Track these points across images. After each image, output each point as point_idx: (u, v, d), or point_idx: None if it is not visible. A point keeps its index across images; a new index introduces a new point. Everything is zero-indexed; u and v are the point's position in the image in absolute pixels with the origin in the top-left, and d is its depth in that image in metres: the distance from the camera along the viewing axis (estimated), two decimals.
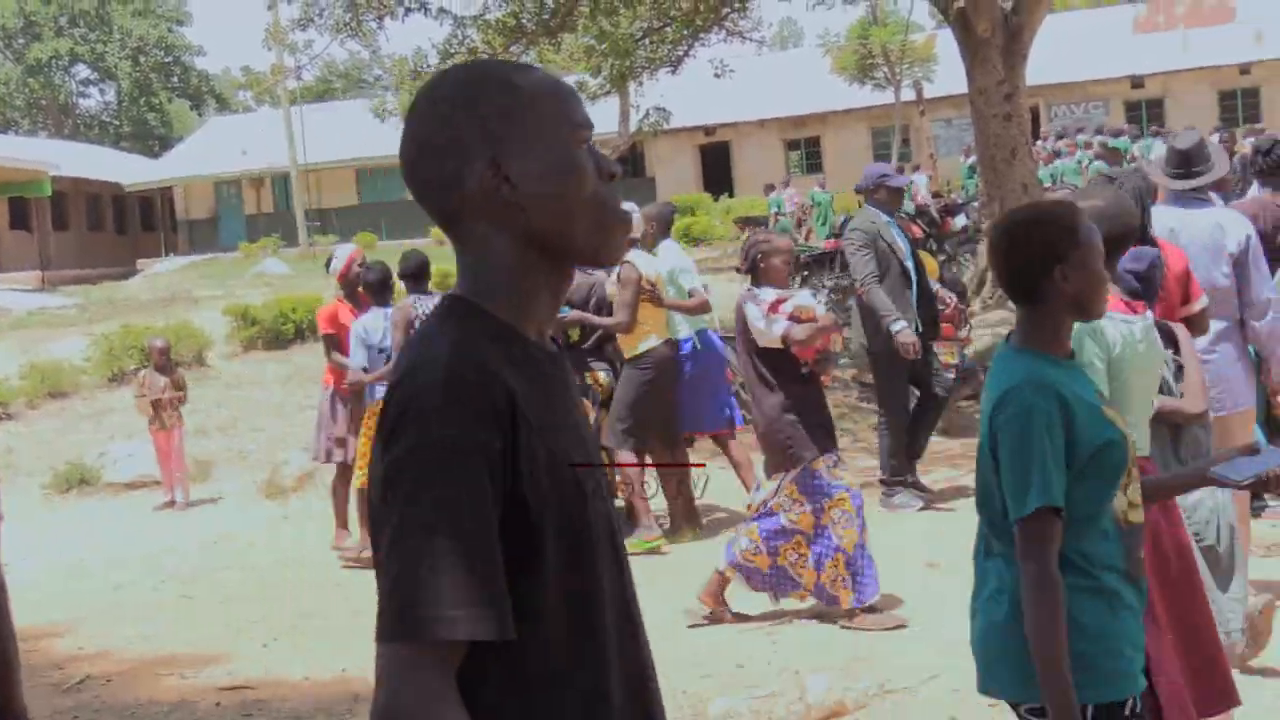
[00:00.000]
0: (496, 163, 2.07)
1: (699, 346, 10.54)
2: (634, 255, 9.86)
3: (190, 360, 18.28)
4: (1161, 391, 4.94)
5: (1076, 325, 3.99)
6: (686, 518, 10.40)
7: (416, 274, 10.41)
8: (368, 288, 10.56)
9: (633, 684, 2.18)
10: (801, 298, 8.06)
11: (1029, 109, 18.72)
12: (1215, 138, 22.81)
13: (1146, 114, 43.36)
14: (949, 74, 31.34)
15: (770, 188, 35.76)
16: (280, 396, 16.90)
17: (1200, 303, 6.37)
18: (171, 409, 13.28)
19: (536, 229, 2.10)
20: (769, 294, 7.98)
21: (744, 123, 48.22)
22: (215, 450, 15.01)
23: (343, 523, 10.73)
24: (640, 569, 9.19)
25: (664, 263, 10.37)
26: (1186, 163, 7.11)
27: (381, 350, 10.23)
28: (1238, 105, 43.68)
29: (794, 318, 7.79)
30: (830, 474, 7.76)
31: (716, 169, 49.30)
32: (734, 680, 6.93)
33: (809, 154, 49.19)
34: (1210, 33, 45.43)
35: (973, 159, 30.79)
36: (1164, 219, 6.84)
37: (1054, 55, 38.17)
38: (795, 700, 6.37)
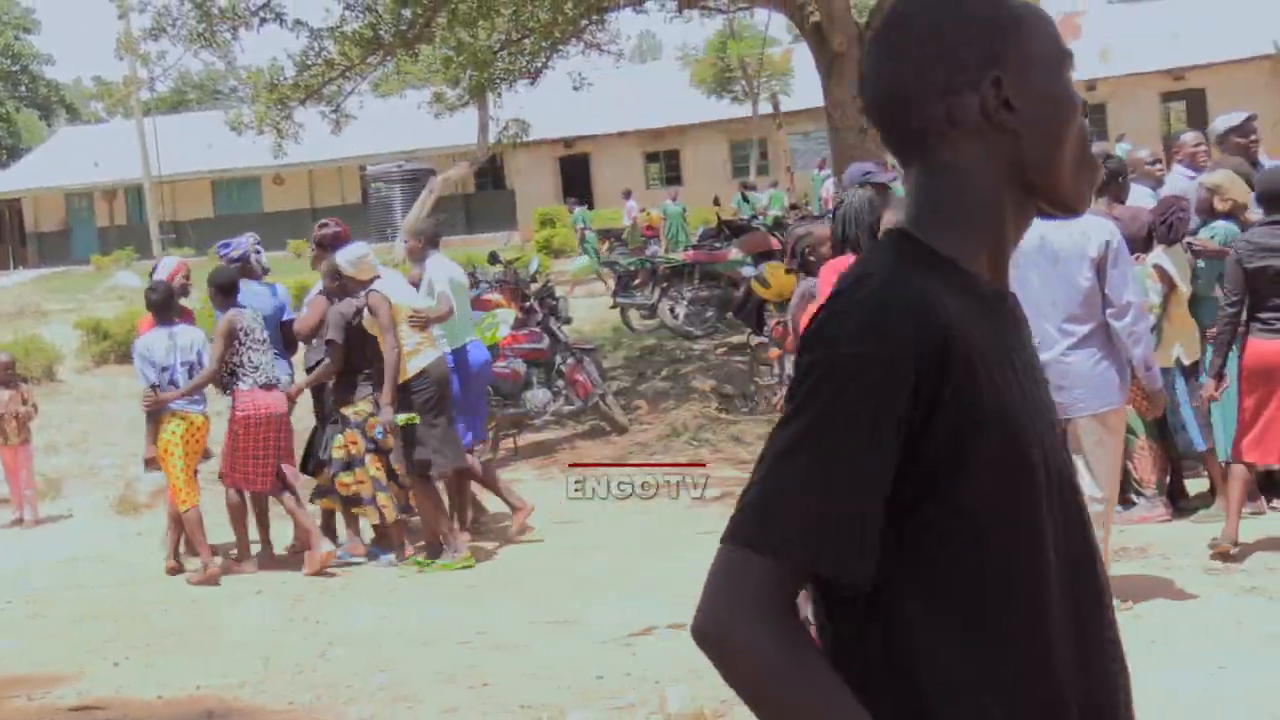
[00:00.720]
0: (999, 81, 1.91)
1: (463, 360, 10.75)
2: (381, 284, 10.01)
3: (40, 375, 17.90)
4: None
5: None
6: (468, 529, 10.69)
7: (228, 288, 10.42)
8: (150, 306, 10.49)
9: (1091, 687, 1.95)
10: None
11: None
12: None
13: None
14: (806, 87, 31.68)
15: (628, 194, 35.89)
16: (133, 411, 16.52)
17: None
18: (18, 425, 12.97)
19: (1029, 160, 1.94)
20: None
21: (604, 135, 48.32)
22: (66, 466, 14.70)
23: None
24: (482, 581, 9.18)
25: (436, 274, 10.70)
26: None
27: (165, 369, 10.19)
28: (1086, 120, 44.69)
29: None
30: None
31: (577, 181, 49.32)
32: (593, 691, 6.92)
33: (668, 166, 49.41)
34: None
35: (826, 172, 31.25)
36: (1036, 226, 7.01)
37: None
38: (655, 710, 6.38)
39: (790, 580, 1.79)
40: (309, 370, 10.69)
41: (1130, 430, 9.22)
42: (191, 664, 8.00)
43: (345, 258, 10.05)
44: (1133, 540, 8.82)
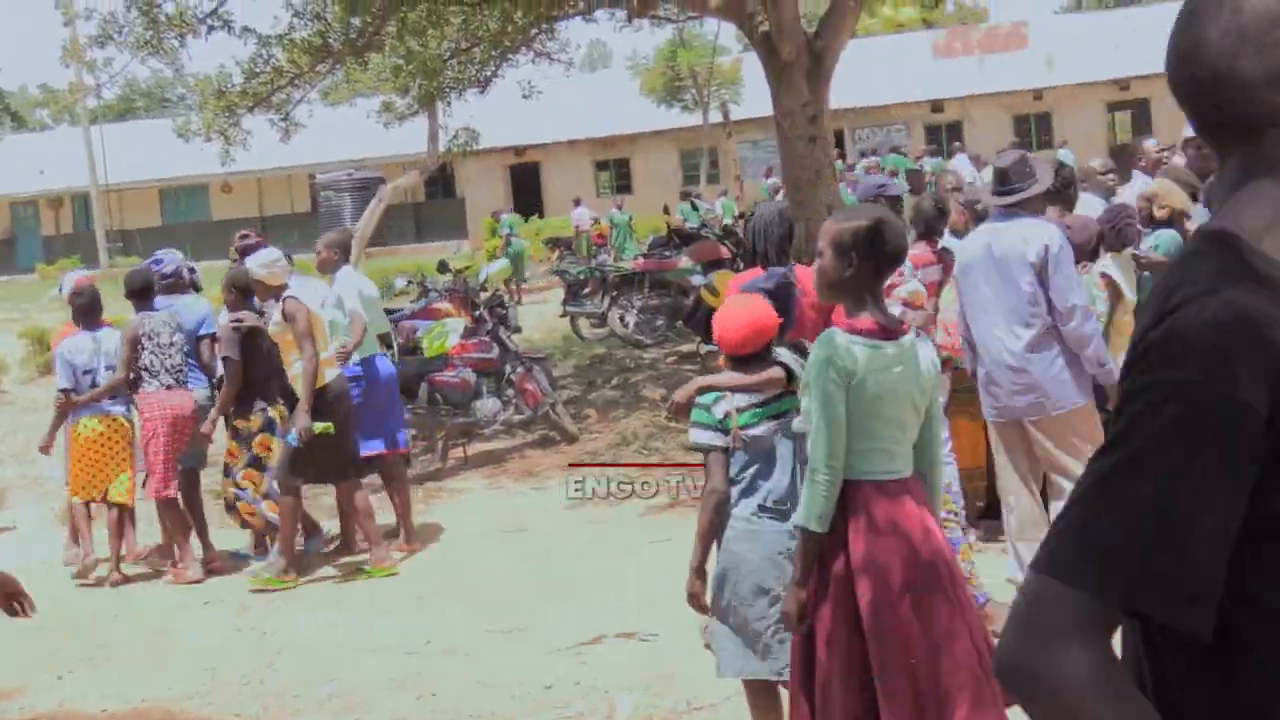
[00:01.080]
0: None
1: (362, 371, 10.70)
2: (296, 288, 10.03)
3: None
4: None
5: (819, 347, 4.46)
6: (406, 538, 10.73)
7: (141, 291, 10.59)
8: (75, 311, 10.75)
9: None
10: (913, 284, 7.67)
11: (833, 131, 19.01)
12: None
13: (946, 137, 44.38)
14: (755, 96, 31.74)
15: (577, 202, 35.90)
16: None
17: None
18: None
19: None
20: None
21: (554, 144, 48.29)
22: (9, 478, 14.58)
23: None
24: (431, 590, 9.13)
25: (344, 288, 10.65)
26: (1005, 180, 7.56)
27: (88, 372, 10.42)
28: (1032, 128, 44.96)
29: (907, 304, 7.46)
30: None
31: (527, 190, 49.28)
32: (542, 700, 6.92)
33: (618, 175, 49.43)
34: (1005, 58, 46.70)
35: (773, 180, 31.33)
36: (982, 234, 7.53)
37: (858, 79, 38.87)
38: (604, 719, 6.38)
39: (1110, 614, 1.69)
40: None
41: None
42: (137, 676, 7.95)
43: (257, 262, 10.07)
44: None
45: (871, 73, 42.74)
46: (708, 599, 5.35)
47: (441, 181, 50.21)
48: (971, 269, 7.65)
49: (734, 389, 5.31)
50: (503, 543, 10.63)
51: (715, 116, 43.89)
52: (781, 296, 5.49)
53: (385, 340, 11.90)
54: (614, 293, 20.76)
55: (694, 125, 45.45)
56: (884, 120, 46.01)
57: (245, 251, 10.94)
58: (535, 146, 48.43)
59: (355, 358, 10.52)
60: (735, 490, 5.30)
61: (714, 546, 5.37)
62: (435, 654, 7.97)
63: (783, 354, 5.46)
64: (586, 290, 21.47)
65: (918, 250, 8.86)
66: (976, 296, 7.64)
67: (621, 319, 20.39)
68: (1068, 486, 7.47)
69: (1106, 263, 9.03)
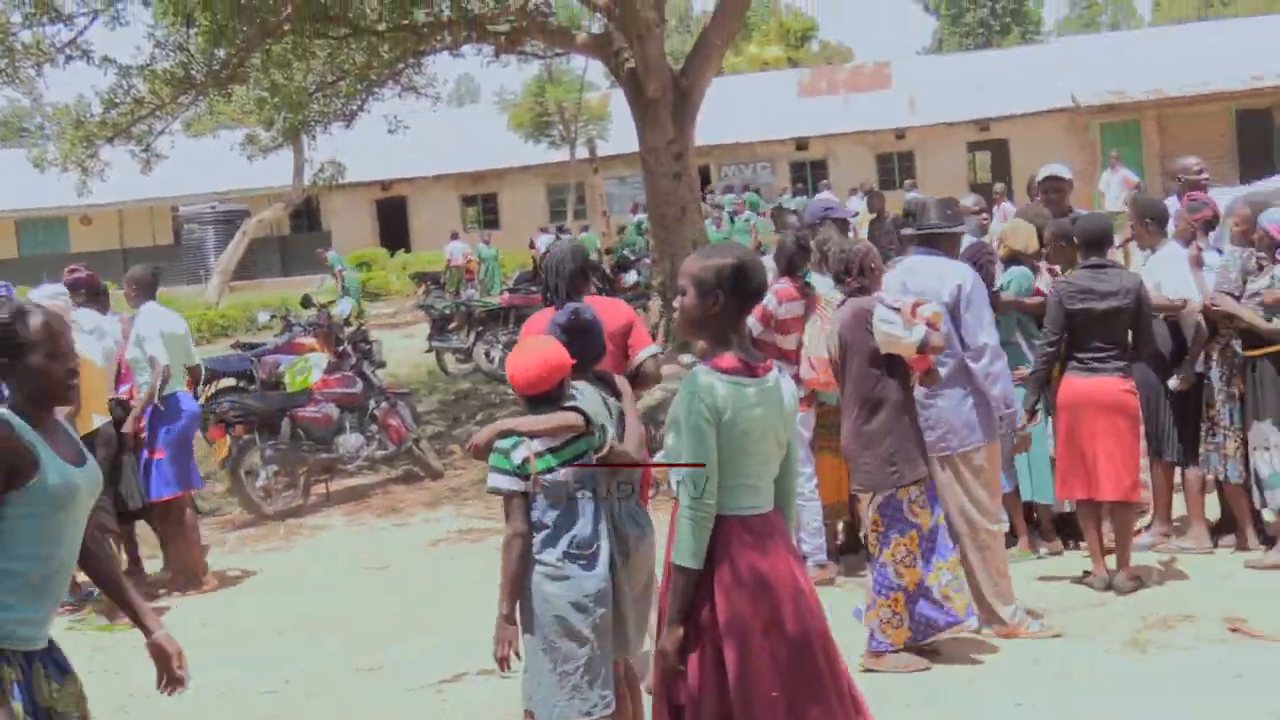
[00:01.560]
0: None
1: (163, 409, 10.59)
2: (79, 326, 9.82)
3: None
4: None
5: (684, 386, 4.50)
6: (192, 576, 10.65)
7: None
8: None
9: None
10: (933, 304, 7.52)
11: (698, 168, 19.20)
12: (862, 199, 23.86)
13: (811, 175, 44.91)
14: (622, 133, 31.93)
15: (455, 235, 35.82)
16: None
17: (642, 354, 6.94)
18: None
19: None
20: (905, 298, 7.46)
21: (421, 178, 48.11)
22: None
23: None
24: (290, 627, 8.99)
25: (144, 327, 10.55)
26: (926, 215, 7.92)
27: None
28: (894, 168, 45.63)
29: (930, 324, 7.32)
30: (910, 508, 7.40)
31: (393, 224, 49.03)
32: None
33: (486, 209, 49.32)
34: (869, 98, 47.39)
35: (640, 216, 31.49)
36: (898, 273, 7.81)
37: (723, 116, 39.25)
38: None
39: None
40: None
41: None
42: None
43: (40, 296, 9.83)
44: None
45: (737, 110, 43.15)
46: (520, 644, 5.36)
47: (307, 215, 49.77)
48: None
49: (532, 433, 5.33)
50: (364, 579, 10.54)
51: (582, 152, 44.04)
52: (575, 332, 5.57)
53: (195, 374, 11.72)
54: (480, 328, 20.75)
55: (561, 161, 45.59)
56: (750, 158, 46.45)
57: (74, 286, 10.68)
58: (402, 181, 48.23)
59: (157, 396, 10.45)
60: (539, 537, 5.34)
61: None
62: (295, 694, 7.87)
63: (581, 393, 5.52)
64: (452, 325, 21.42)
65: (781, 285, 8.99)
66: None
67: (487, 354, 20.36)
68: (962, 526, 7.63)
69: None
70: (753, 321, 8.45)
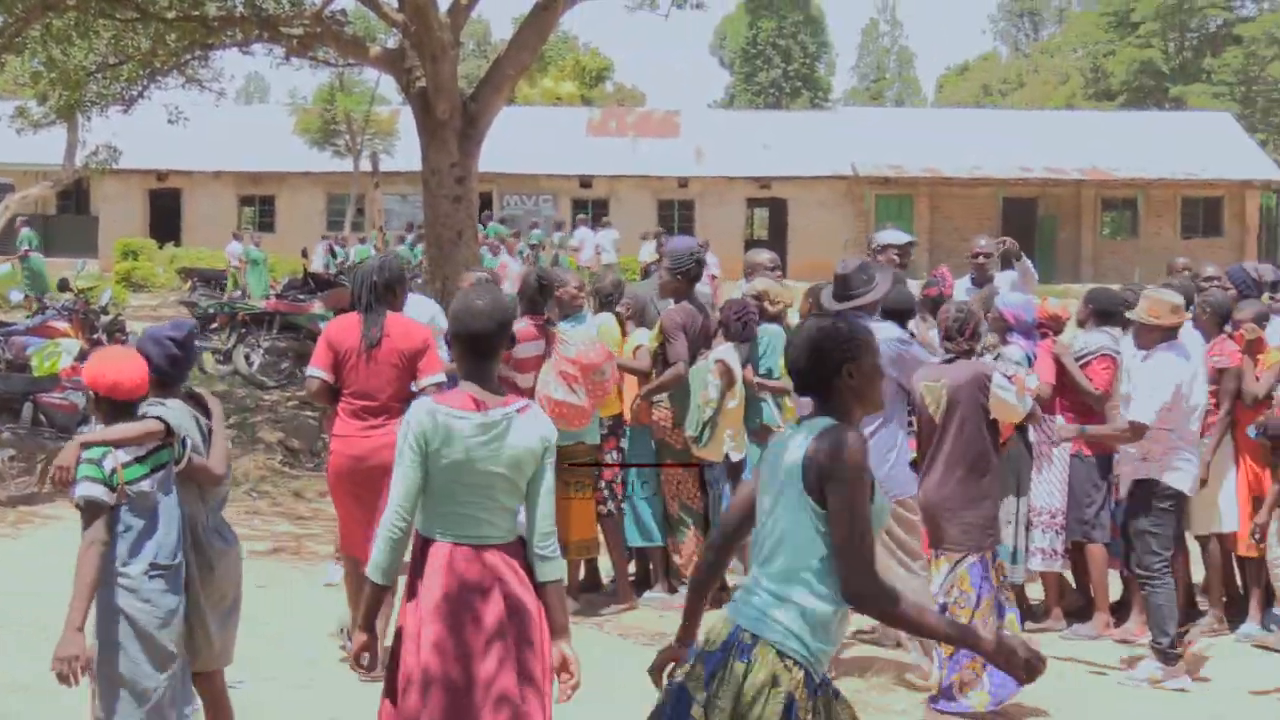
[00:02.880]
0: None
1: None
2: None
3: None
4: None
5: (407, 413, 4.84)
6: None
7: None
8: None
9: None
10: (1034, 376, 7.93)
11: (481, 194, 19.18)
12: (652, 244, 24.10)
13: (593, 213, 45.18)
14: (409, 150, 31.74)
15: (237, 236, 35.16)
16: None
17: (423, 381, 7.61)
18: None
19: None
20: (1008, 366, 7.85)
21: (198, 172, 47.04)
22: None
23: None
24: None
25: None
26: (847, 285, 8.14)
27: None
28: (674, 215, 46.17)
29: (1035, 395, 7.69)
30: (991, 569, 7.64)
31: (166, 216, 47.82)
32: None
33: (263, 212, 48.48)
34: (656, 144, 47.89)
35: (412, 236, 31.46)
36: None
37: (512, 146, 39.26)
38: None
39: None
40: None
41: (682, 521, 9.58)
42: None
43: None
44: (670, 626, 9.09)
45: (526, 141, 43.21)
46: (92, 656, 5.32)
47: (76, 196, 48.29)
48: None
49: (117, 442, 5.38)
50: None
51: (366, 165, 43.66)
52: (183, 346, 5.70)
53: None
54: (242, 330, 20.40)
55: (345, 171, 45.06)
56: (534, 189, 46.55)
57: None
58: (179, 173, 47.10)
59: None
60: (121, 548, 5.35)
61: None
62: (1, 691, 7.62)
63: (169, 407, 5.60)
64: (214, 325, 21.03)
65: (521, 325, 9.02)
66: None
67: (247, 358, 20.04)
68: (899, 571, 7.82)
69: (724, 350, 9.37)
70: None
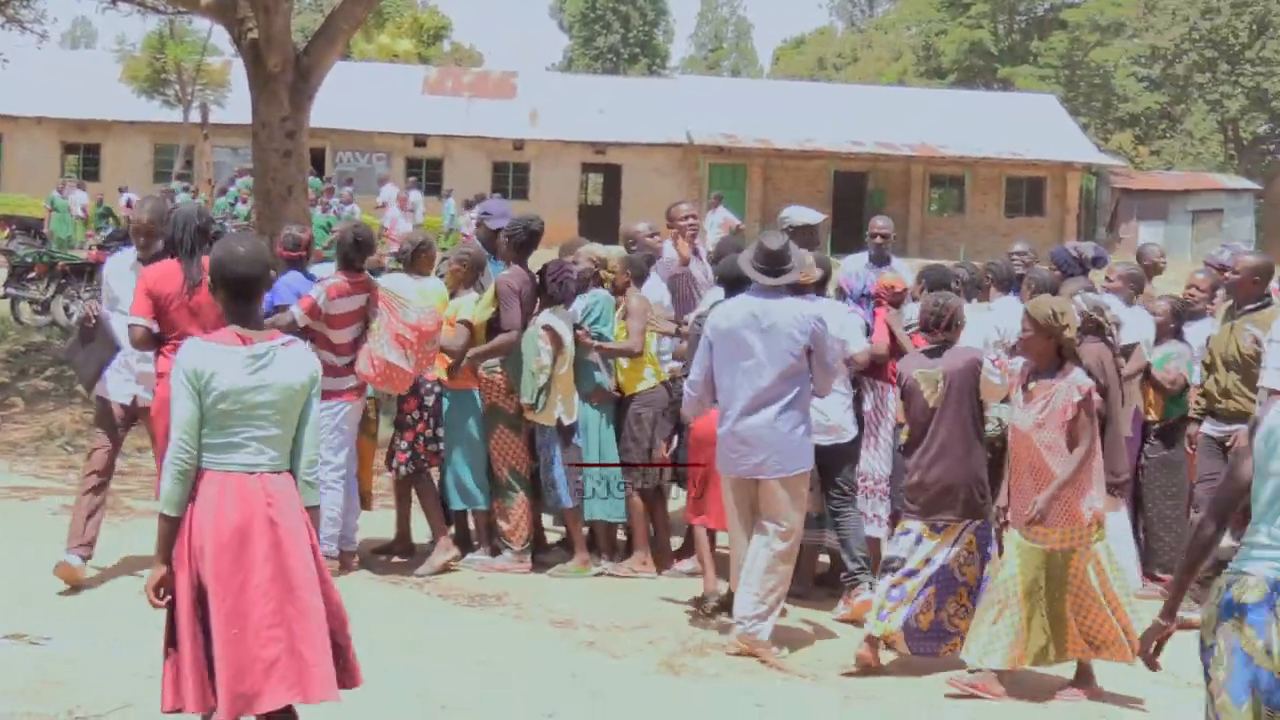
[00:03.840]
0: None
1: None
2: None
3: None
4: None
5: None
6: None
7: None
8: None
9: None
10: (1017, 361, 8.08)
11: (314, 150, 18.91)
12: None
13: (426, 173, 44.83)
14: (241, 102, 31.20)
15: (80, 185, 34.26)
16: None
17: None
18: None
19: None
20: (991, 349, 8.27)
21: (20, 117, 45.67)
22: None
23: None
24: None
25: None
26: (775, 260, 8.08)
27: None
28: (509, 177, 45.97)
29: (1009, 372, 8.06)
30: (996, 532, 8.13)
31: None
32: None
33: (87, 160, 47.22)
34: (492, 105, 47.63)
35: (235, 188, 30.97)
36: (749, 305, 8.02)
37: (346, 102, 38.82)
38: None
39: None
40: None
41: (510, 485, 9.60)
42: None
43: None
44: (491, 588, 9.16)
45: (360, 98, 42.73)
46: None
47: None
48: (735, 335, 8.03)
49: None
50: None
51: (196, 116, 42.82)
52: None
53: None
54: (61, 280, 19.94)
55: (174, 121, 44.11)
56: (367, 147, 46.02)
57: None
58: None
59: None
60: None
61: None
62: None
63: None
64: (33, 275, 20.52)
65: (334, 280, 9.07)
66: (736, 361, 8.03)
67: (66, 309, 19.58)
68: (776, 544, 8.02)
69: (548, 316, 9.39)
70: (300, 313, 8.89)
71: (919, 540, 7.93)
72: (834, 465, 8.82)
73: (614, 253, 10.06)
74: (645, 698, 7.19)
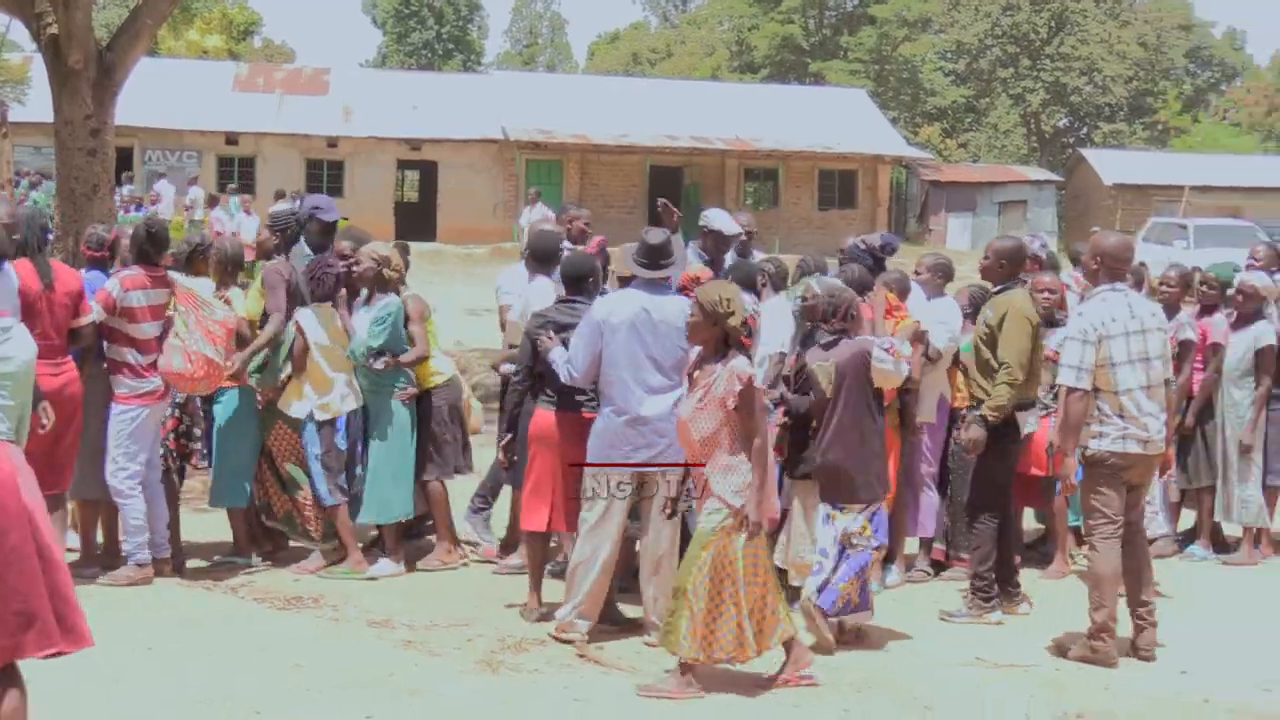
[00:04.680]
0: None
1: None
2: None
3: None
4: None
5: None
6: None
7: None
8: None
9: None
10: (906, 345, 8.63)
11: (123, 149, 18.51)
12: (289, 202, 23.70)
13: (239, 171, 44.10)
14: (43, 100, 30.43)
15: None
16: None
17: (82, 320, 8.65)
18: None
19: None
20: (885, 339, 8.48)
21: None
22: None
23: None
24: None
25: None
26: (655, 255, 8.30)
27: None
28: (323, 175, 45.35)
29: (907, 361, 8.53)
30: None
31: None
32: None
33: None
34: (305, 101, 46.96)
35: (38, 191, 30.22)
36: (637, 299, 8.18)
37: (155, 99, 38.10)
38: None
39: None
40: None
41: (293, 480, 9.59)
42: None
43: None
44: (307, 590, 9.10)
45: (169, 95, 41.93)
46: None
47: None
48: (626, 328, 8.08)
49: None
50: None
51: None
52: None
53: None
54: None
55: None
56: (178, 144, 45.07)
57: None
58: None
59: None
60: None
61: None
62: None
63: None
64: None
65: (129, 273, 9.02)
66: (627, 353, 8.08)
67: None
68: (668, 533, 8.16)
69: (302, 311, 9.47)
70: (98, 308, 8.87)
71: (826, 520, 8.35)
72: None
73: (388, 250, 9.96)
74: (463, 695, 7.19)
